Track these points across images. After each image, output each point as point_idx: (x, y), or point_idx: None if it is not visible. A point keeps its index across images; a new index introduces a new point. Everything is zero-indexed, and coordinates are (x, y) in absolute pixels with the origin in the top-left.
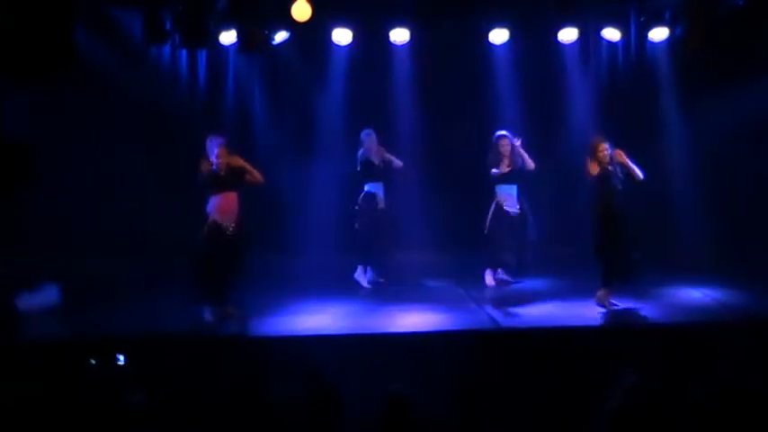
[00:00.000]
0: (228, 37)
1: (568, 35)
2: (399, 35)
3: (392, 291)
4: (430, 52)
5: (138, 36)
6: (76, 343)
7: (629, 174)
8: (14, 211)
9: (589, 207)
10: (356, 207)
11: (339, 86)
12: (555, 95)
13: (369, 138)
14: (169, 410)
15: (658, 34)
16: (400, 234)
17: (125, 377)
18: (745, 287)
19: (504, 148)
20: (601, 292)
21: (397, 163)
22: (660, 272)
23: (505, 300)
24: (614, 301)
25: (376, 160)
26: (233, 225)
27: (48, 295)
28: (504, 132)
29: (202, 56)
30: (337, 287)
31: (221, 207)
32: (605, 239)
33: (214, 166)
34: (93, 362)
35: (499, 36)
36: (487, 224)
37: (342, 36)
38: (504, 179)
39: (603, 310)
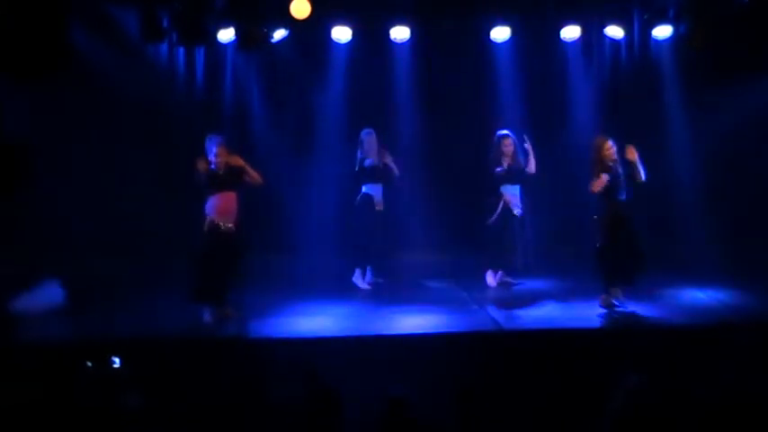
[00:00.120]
0: (226, 35)
1: (571, 33)
2: (400, 33)
3: (392, 292)
4: (431, 50)
5: (135, 34)
6: (73, 345)
7: (631, 174)
8: (13, 210)
9: (593, 212)
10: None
11: (339, 85)
12: (557, 94)
13: (369, 137)
14: (168, 412)
15: (662, 32)
16: (399, 236)
17: (121, 380)
18: (748, 288)
19: (507, 147)
20: (604, 295)
21: (395, 171)
22: (663, 273)
23: (507, 301)
24: (617, 303)
25: (376, 161)
26: (232, 225)
27: (47, 296)
28: (506, 132)
29: (200, 54)
30: (337, 288)
31: (220, 207)
32: (608, 246)
33: (213, 165)
34: (90, 364)
35: (501, 34)
36: (492, 223)
37: (341, 34)
38: (508, 179)
39: (606, 311)
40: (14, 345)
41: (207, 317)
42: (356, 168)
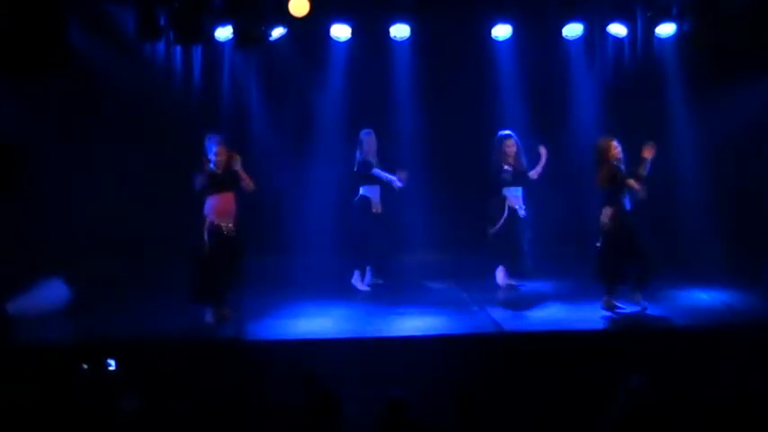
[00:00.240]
0: (224, 33)
1: (573, 31)
2: (400, 31)
3: (392, 293)
4: (431, 48)
5: (131, 32)
6: (70, 347)
7: (636, 172)
8: (10, 210)
9: (595, 212)
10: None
11: (338, 84)
12: (559, 92)
13: (368, 137)
14: (165, 415)
15: (665, 30)
16: (399, 236)
17: (117, 382)
18: (751, 289)
19: (510, 148)
20: (606, 297)
21: (393, 182)
22: (665, 273)
23: (507, 302)
24: (620, 305)
25: (375, 162)
26: (231, 226)
27: (49, 295)
28: (508, 132)
29: (197, 52)
30: (336, 289)
31: (219, 208)
32: (609, 247)
33: (212, 165)
34: (86, 367)
35: (502, 31)
36: (499, 227)
37: (340, 32)
38: (512, 181)
39: (608, 313)
40: (12, 346)
41: (209, 317)
42: (354, 169)
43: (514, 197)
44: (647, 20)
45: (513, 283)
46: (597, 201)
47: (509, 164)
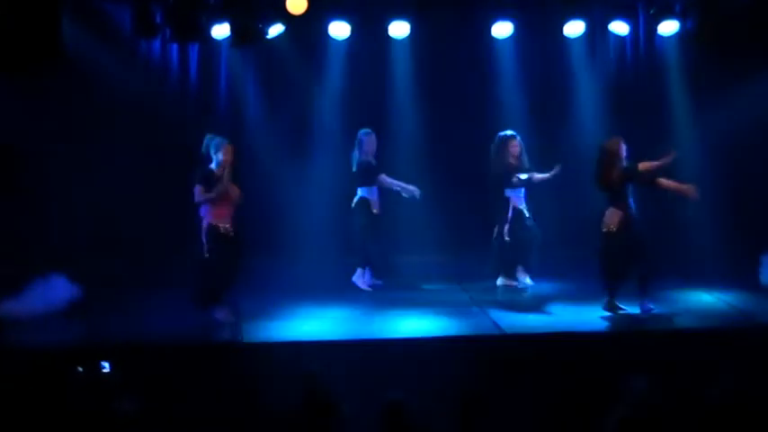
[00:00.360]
0: (221, 31)
1: (575, 28)
2: (399, 29)
3: (392, 295)
4: (431, 47)
5: (127, 30)
6: (66, 349)
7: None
8: (7, 211)
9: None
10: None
11: (336, 82)
12: (560, 91)
13: (368, 138)
14: (162, 418)
15: (668, 27)
16: (398, 237)
17: (113, 385)
18: (756, 290)
19: (514, 148)
20: (608, 298)
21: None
22: (669, 274)
23: (509, 304)
24: (623, 306)
25: (374, 162)
26: (229, 226)
27: (41, 298)
28: (512, 132)
29: (194, 50)
30: (335, 291)
31: (216, 210)
32: (611, 248)
33: (215, 165)
34: (81, 369)
35: (503, 29)
36: (507, 230)
37: (339, 30)
38: (509, 183)
39: (610, 314)
40: (8, 347)
41: (220, 315)
42: (354, 169)
43: (517, 198)
44: (649, 17)
45: (515, 284)
46: (598, 201)
47: (513, 164)
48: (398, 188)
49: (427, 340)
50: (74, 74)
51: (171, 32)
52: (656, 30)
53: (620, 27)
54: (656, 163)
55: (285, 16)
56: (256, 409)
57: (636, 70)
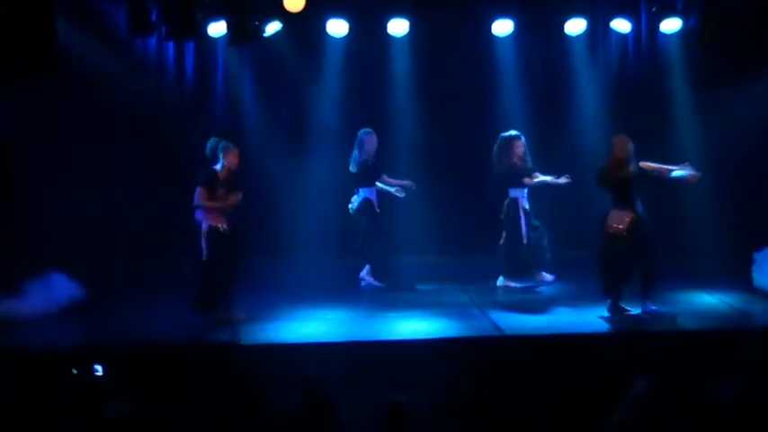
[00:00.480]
0: (217, 28)
1: (576, 26)
2: (398, 26)
3: (392, 296)
4: (430, 45)
5: (122, 29)
6: (62, 350)
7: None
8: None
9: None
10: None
11: (334, 81)
12: (562, 90)
13: (369, 137)
14: (158, 421)
15: (671, 25)
16: (398, 237)
17: (107, 387)
18: (762, 292)
19: (519, 148)
20: (610, 299)
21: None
22: (671, 276)
23: (509, 305)
24: (624, 308)
25: (376, 162)
26: (225, 226)
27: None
28: (517, 132)
29: (190, 48)
30: (334, 292)
31: (215, 212)
32: (620, 255)
33: (219, 167)
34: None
35: (503, 27)
36: (525, 233)
37: (337, 27)
38: (517, 183)
39: (612, 316)
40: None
41: (237, 316)
42: (354, 169)
43: (523, 198)
44: (651, 15)
45: (516, 285)
46: (598, 201)
47: (518, 165)
48: (397, 187)
49: (427, 342)
50: (69, 73)
51: (167, 30)
52: (658, 27)
53: (621, 25)
54: (663, 167)
55: (282, 14)
56: (255, 412)
57: (638, 68)
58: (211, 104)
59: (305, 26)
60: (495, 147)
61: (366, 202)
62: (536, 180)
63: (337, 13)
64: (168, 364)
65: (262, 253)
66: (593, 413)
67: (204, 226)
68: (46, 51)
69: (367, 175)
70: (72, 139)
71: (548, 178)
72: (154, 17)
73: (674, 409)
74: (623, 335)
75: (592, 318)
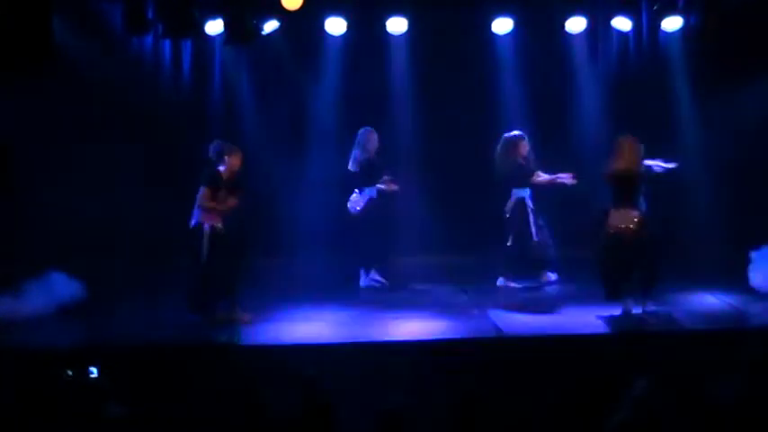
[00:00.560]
0: (215, 27)
1: (577, 25)
2: (396, 24)
3: (392, 297)
4: (429, 43)
5: (118, 27)
6: (59, 351)
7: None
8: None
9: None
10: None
11: (333, 79)
12: (562, 88)
13: (370, 136)
14: (156, 423)
15: (672, 24)
16: (398, 238)
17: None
18: (762, 292)
19: (525, 148)
20: (612, 301)
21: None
22: (673, 276)
23: (510, 305)
24: (625, 308)
25: (376, 161)
26: (220, 225)
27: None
28: (521, 132)
29: (187, 47)
30: (334, 292)
31: (213, 212)
32: (622, 255)
33: (223, 167)
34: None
35: (503, 25)
36: (534, 232)
37: (335, 25)
38: (524, 183)
39: (613, 316)
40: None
41: (244, 317)
42: (355, 169)
43: (528, 197)
44: (652, 13)
45: (516, 285)
46: (598, 200)
47: (523, 164)
48: (394, 186)
49: (426, 342)
50: (67, 72)
51: (163, 28)
52: (659, 26)
53: (622, 23)
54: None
55: (280, 12)
56: (255, 412)
57: (638, 67)
58: (209, 103)
59: (303, 24)
60: (499, 147)
61: (370, 202)
62: (543, 178)
63: (336, 11)
64: (168, 365)
65: (260, 253)
66: (593, 413)
67: (206, 227)
68: (44, 51)
69: (368, 174)
70: (71, 139)
71: (554, 176)
72: (150, 15)
73: (674, 409)
74: (623, 335)
75: (592, 318)
